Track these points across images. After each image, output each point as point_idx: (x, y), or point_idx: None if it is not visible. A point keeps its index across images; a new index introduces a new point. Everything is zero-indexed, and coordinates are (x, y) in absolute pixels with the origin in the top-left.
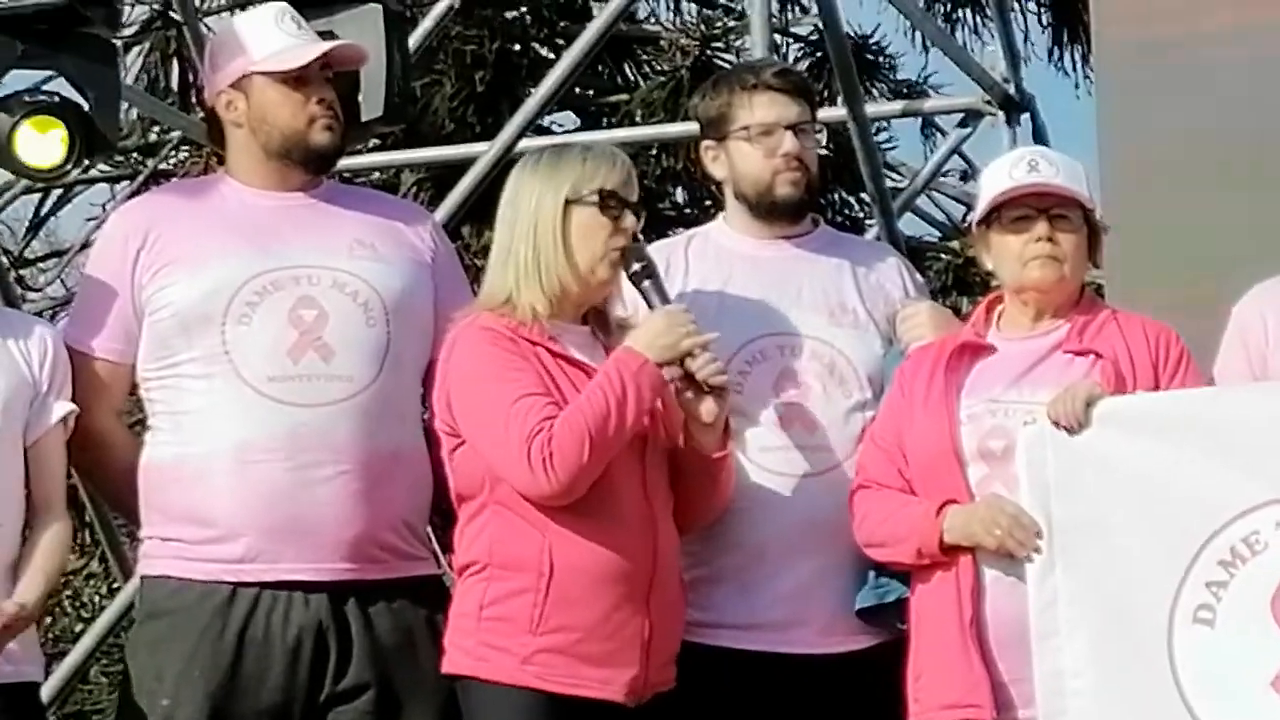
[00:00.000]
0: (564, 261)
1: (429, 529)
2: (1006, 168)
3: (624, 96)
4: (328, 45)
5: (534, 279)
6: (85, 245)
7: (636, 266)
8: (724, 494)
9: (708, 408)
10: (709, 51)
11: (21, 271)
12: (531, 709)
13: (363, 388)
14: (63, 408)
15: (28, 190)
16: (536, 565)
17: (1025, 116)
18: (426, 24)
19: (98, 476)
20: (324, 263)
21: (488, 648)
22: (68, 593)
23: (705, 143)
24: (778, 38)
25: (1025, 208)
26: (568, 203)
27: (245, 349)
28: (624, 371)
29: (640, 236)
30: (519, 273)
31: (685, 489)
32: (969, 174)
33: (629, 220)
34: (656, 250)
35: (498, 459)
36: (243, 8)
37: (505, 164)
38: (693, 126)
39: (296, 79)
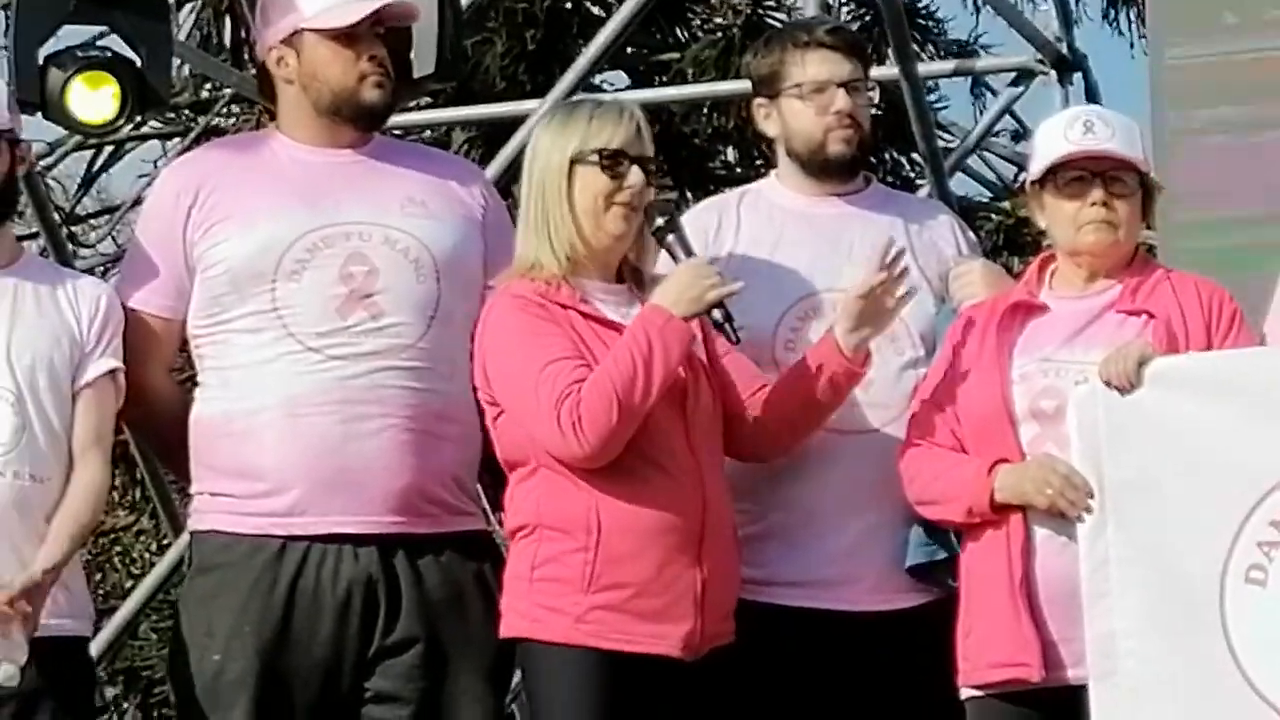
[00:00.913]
0: (569, 221)
1: (479, 486)
2: (1061, 128)
3: (675, 55)
4: (379, 2)
5: (544, 239)
6: (137, 202)
7: (660, 221)
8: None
9: (863, 334)
10: (760, 10)
11: (73, 228)
12: (588, 667)
13: (412, 343)
14: (104, 364)
15: (79, 147)
16: (585, 524)
17: (1078, 76)
18: None
19: (148, 432)
20: (375, 219)
21: (542, 608)
22: (118, 549)
23: (757, 100)
24: None
25: (1080, 170)
26: (572, 162)
27: (296, 305)
28: (649, 329)
29: (659, 189)
30: (533, 233)
31: (806, 408)
32: (1020, 134)
33: (634, 177)
34: (709, 207)
35: (531, 424)
36: None
37: None
38: (744, 85)
39: (348, 36)
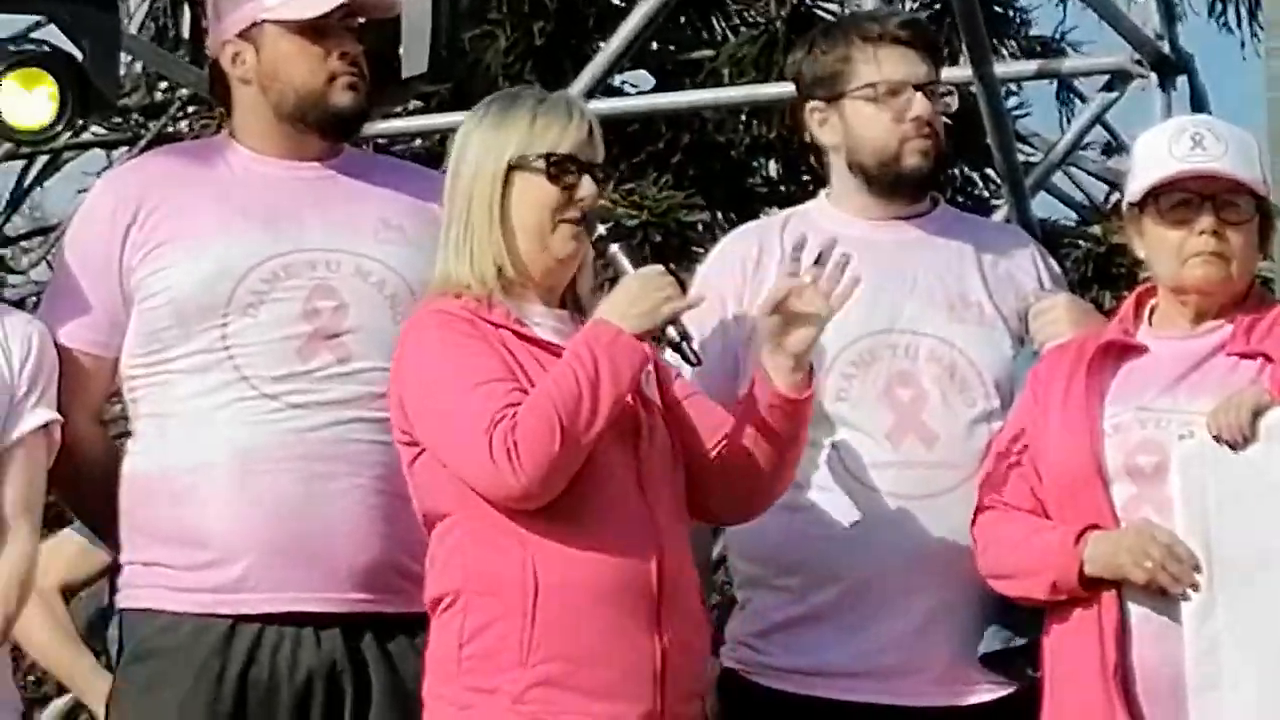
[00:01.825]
0: (499, 239)
1: None
2: (1166, 142)
3: (709, 53)
4: None
5: (465, 259)
6: None
7: (601, 230)
8: (796, 460)
9: (798, 336)
10: (809, 1)
11: (1, 251)
12: None
13: (384, 392)
14: (38, 416)
15: (9, 156)
16: (519, 583)
17: (1182, 79)
18: None
19: (71, 490)
20: (345, 246)
21: (473, 692)
22: None
23: (812, 104)
24: None
25: (1187, 193)
26: (510, 168)
27: (250, 344)
28: (595, 345)
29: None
30: (452, 251)
31: (754, 463)
32: (1114, 147)
33: (586, 188)
34: (747, 233)
35: (456, 457)
36: None
37: None
38: (789, 88)
39: (316, 28)
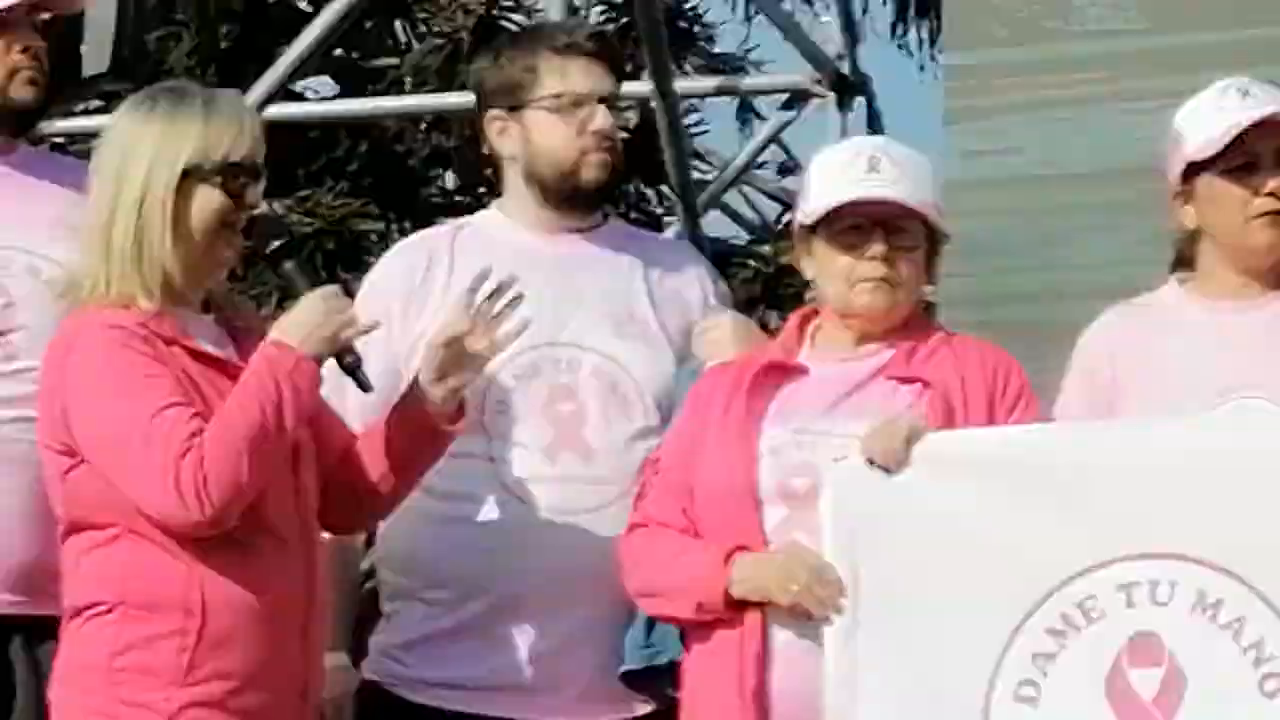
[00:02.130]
0: (170, 248)
1: None
2: (841, 165)
3: (393, 61)
4: None
5: (135, 269)
6: None
7: (275, 244)
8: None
9: (462, 374)
10: (495, 11)
11: None
12: None
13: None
14: None
15: None
16: (182, 602)
17: (860, 100)
18: None
19: None
20: (18, 243)
21: (125, 705)
22: None
23: (493, 112)
24: None
25: (860, 217)
26: (185, 175)
27: None
28: (277, 372)
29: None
30: (115, 256)
31: (383, 480)
32: (789, 166)
33: (253, 195)
34: (417, 243)
35: (135, 486)
36: None
37: None
38: (473, 98)
39: None
